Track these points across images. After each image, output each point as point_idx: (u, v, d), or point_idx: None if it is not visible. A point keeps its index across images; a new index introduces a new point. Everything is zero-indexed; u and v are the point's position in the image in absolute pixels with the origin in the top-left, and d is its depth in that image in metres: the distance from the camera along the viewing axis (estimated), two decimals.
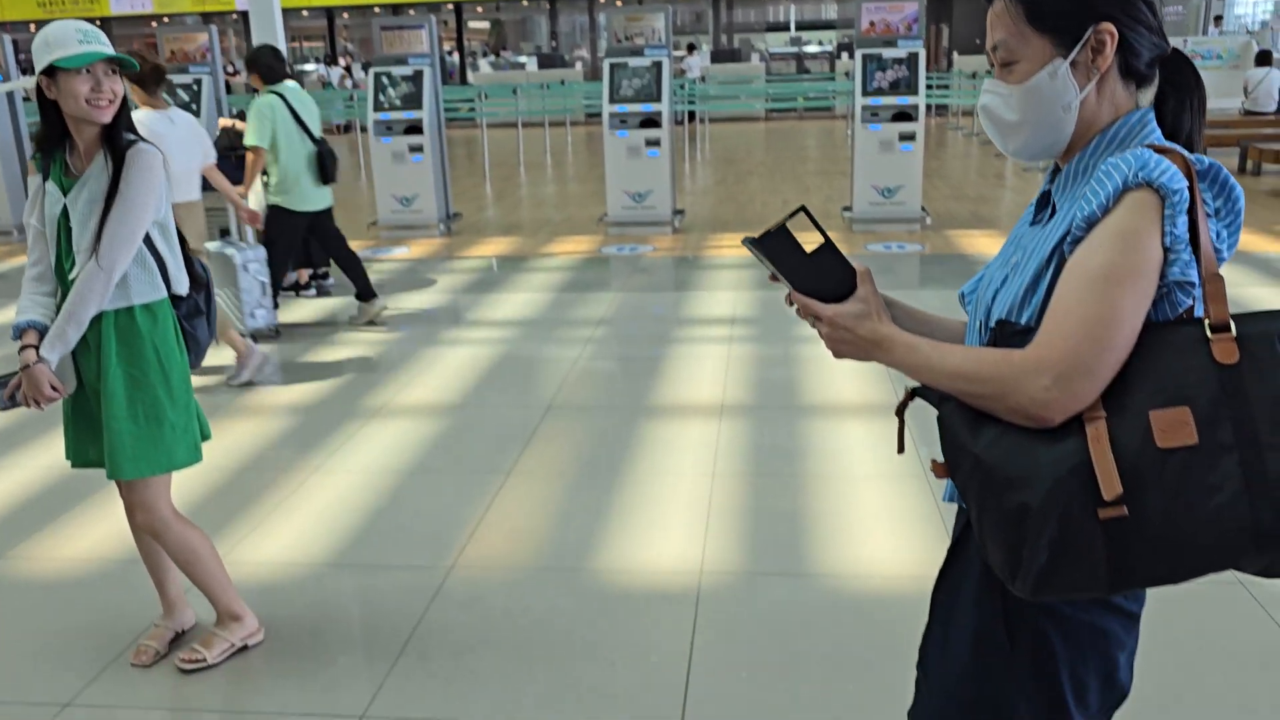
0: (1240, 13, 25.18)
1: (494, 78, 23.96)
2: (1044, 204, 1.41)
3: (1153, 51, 1.35)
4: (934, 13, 23.75)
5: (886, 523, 3.55)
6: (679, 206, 9.94)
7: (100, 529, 3.66)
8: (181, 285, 2.70)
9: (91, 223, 2.51)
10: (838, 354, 1.42)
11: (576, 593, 3.17)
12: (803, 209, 1.42)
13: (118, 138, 2.55)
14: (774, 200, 10.89)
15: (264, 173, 6.13)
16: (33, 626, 3.09)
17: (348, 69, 24.74)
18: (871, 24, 8.90)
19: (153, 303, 2.63)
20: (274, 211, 6.12)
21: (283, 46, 14.00)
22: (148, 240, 2.59)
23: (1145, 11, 1.33)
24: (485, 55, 29.92)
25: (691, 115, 18.38)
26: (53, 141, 2.58)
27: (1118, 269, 1.23)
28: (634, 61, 9.30)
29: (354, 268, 6.46)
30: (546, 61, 25.82)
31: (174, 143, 4.76)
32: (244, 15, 17.63)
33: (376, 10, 26.06)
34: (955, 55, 22.54)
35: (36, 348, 2.52)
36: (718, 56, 24.84)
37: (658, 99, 9.22)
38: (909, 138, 8.92)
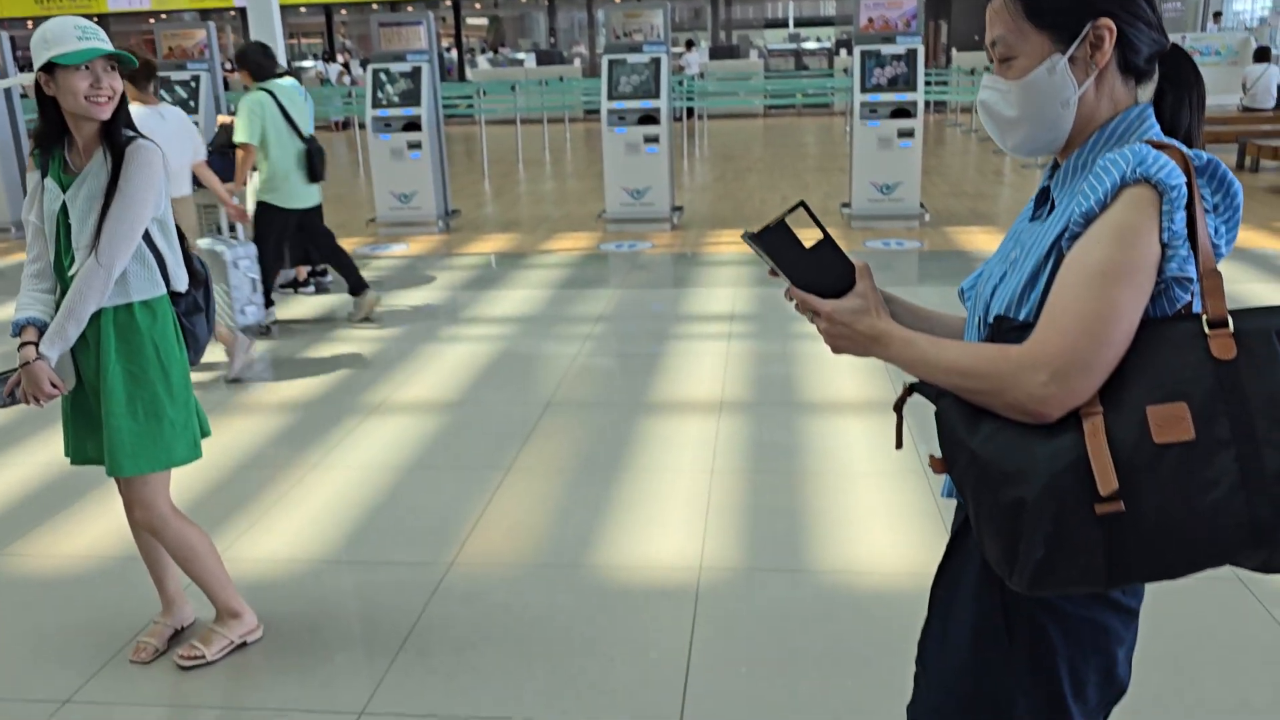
0: (1239, 9, 25.17)
1: (492, 74, 23.94)
2: (1043, 200, 1.42)
3: (1152, 47, 1.35)
4: (932, 9, 23.73)
5: (885, 519, 3.56)
6: (678, 203, 9.93)
7: (99, 526, 3.66)
8: (181, 282, 2.70)
9: (91, 219, 2.51)
10: (836, 349, 1.42)
11: (576, 589, 3.17)
12: (802, 204, 1.42)
13: (117, 134, 2.55)
14: (772, 197, 10.89)
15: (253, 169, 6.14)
16: (32, 623, 3.09)
17: (346, 66, 24.71)
18: (870, 20, 8.90)
19: (152, 299, 2.63)
20: (263, 209, 6.12)
21: (281, 43, 13.99)
22: (147, 237, 2.59)
23: (1144, 7, 1.33)
24: (484, 52, 29.89)
25: (690, 112, 18.37)
26: (51, 138, 2.58)
27: (1115, 265, 1.23)
28: (632, 58, 9.30)
29: (343, 263, 6.45)
30: (545, 58, 25.80)
31: (164, 139, 4.75)
32: (242, 12, 17.62)
33: (375, 7, 26.06)
34: (954, 51, 22.53)
35: (36, 344, 2.52)
36: (716, 53, 24.82)
37: (656, 95, 9.22)
38: (908, 134, 8.91)
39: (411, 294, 7.18)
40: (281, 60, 9.15)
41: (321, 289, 7.27)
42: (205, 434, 2.79)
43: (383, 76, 9.50)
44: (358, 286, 6.43)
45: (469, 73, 25.48)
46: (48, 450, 4.37)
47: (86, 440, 2.70)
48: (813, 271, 1.39)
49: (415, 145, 9.45)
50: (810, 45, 26.68)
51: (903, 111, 8.87)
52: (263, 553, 3.47)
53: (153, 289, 2.63)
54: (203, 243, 5.70)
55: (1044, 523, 1.20)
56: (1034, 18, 1.33)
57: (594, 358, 5.54)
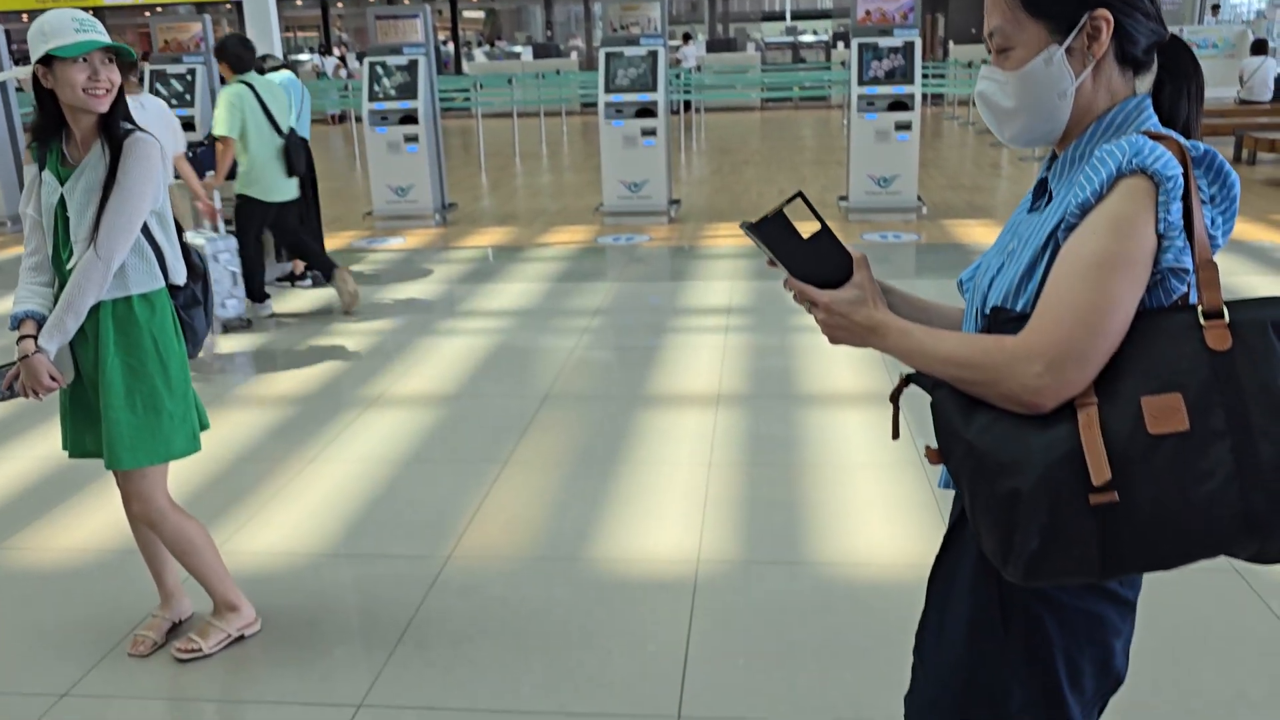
0: (1236, 2, 25.17)
1: (489, 67, 23.90)
2: (1041, 191, 1.42)
3: (1150, 38, 1.34)
4: (929, 2, 23.72)
5: (882, 511, 3.56)
6: (675, 196, 9.93)
7: (97, 519, 3.66)
8: (179, 275, 2.70)
9: (89, 212, 2.51)
10: (834, 340, 1.42)
11: (573, 582, 3.18)
12: (800, 195, 1.42)
13: (115, 127, 2.54)
14: (770, 190, 10.88)
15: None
16: (30, 617, 3.09)
17: (342, 59, 24.67)
18: (867, 13, 8.88)
19: (150, 292, 2.62)
20: (243, 202, 6.12)
21: (276, 36, 13.97)
22: (145, 230, 2.59)
23: None
24: (480, 45, 29.84)
25: (687, 105, 18.35)
26: (49, 131, 2.58)
27: (1111, 255, 1.23)
28: (629, 51, 9.28)
29: (308, 252, 6.44)
30: (542, 51, 25.75)
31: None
32: (238, 5, 17.59)
33: (371, 0, 25.98)
34: (951, 44, 22.52)
35: (35, 338, 2.52)
36: (713, 46, 24.79)
37: (653, 88, 9.20)
38: (905, 127, 8.90)
39: (408, 287, 7.17)
40: (277, 53, 9.12)
41: (318, 283, 7.25)
42: (204, 427, 2.79)
43: (379, 70, 9.48)
44: (326, 268, 6.43)
45: (465, 66, 25.43)
46: (46, 444, 4.36)
47: (85, 433, 2.70)
48: (810, 262, 1.40)
49: (412, 138, 9.43)
50: (807, 38, 26.65)
51: (900, 104, 8.87)
52: (261, 546, 3.47)
53: (151, 282, 2.62)
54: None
55: (1039, 514, 1.20)
56: (1031, 8, 1.33)
57: (591, 351, 5.54)
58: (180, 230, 2.76)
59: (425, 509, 3.70)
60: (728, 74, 21.05)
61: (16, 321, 2.56)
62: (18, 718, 2.60)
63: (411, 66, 9.42)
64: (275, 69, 6.98)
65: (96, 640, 2.93)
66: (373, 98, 9.48)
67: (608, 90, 9.25)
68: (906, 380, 1.41)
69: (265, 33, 13.74)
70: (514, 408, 4.68)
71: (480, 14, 32.73)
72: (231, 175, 6.15)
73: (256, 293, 6.37)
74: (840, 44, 23.63)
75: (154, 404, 2.62)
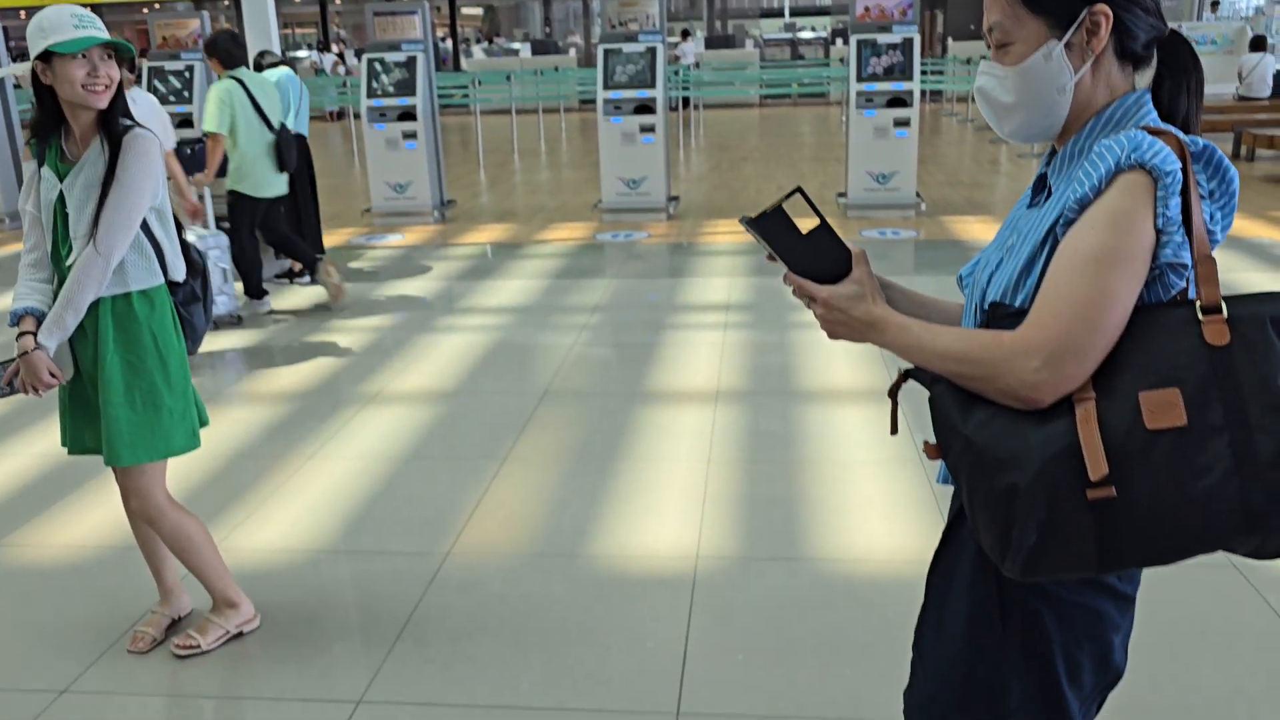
0: None
1: (487, 64, 23.88)
2: (1040, 186, 1.42)
3: (1149, 33, 1.34)
4: None
5: (881, 507, 3.56)
6: (674, 193, 9.93)
7: (96, 516, 3.66)
8: (178, 271, 2.70)
9: (88, 208, 2.50)
10: (832, 335, 1.42)
11: (572, 578, 3.18)
12: (798, 190, 1.42)
13: (114, 123, 2.54)
14: (768, 186, 10.88)
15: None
16: (29, 614, 3.09)
17: (340, 56, 24.65)
18: (866, 9, 8.88)
19: (150, 289, 2.62)
20: (234, 198, 6.13)
21: (275, 33, 13.94)
22: (145, 226, 2.59)
23: None
24: (479, 42, 29.82)
25: (686, 101, 18.34)
26: (48, 127, 2.57)
27: (1109, 251, 1.23)
28: (628, 47, 9.27)
29: (290, 247, 6.44)
30: (540, 48, 25.74)
31: None
32: (236, 1, 17.56)
33: None
34: (950, 41, 22.51)
35: (34, 334, 2.52)
36: (712, 42, 24.78)
37: (652, 85, 9.20)
38: (904, 124, 8.90)
39: (407, 284, 7.17)
40: (276, 50, 9.11)
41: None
42: (203, 423, 2.79)
43: (378, 66, 9.47)
44: (309, 261, 6.44)
45: (464, 63, 25.41)
46: (45, 440, 4.36)
47: (84, 430, 2.70)
48: (809, 257, 1.40)
49: (410, 135, 9.43)
50: (806, 34, 26.64)
51: (899, 101, 8.87)
52: (260, 543, 3.47)
53: (150, 278, 2.62)
54: None
55: (1037, 509, 1.20)
56: (1031, 4, 1.33)
57: (590, 348, 5.54)
58: (180, 227, 2.76)
59: (424, 506, 3.70)
60: (726, 70, 21.03)
61: (16, 318, 2.56)
62: (17, 714, 2.61)
63: (410, 63, 9.41)
64: (273, 65, 6.97)
65: (96, 637, 2.93)
66: (371, 94, 9.47)
67: (606, 87, 9.24)
68: (905, 375, 1.41)
69: (263, 29, 13.72)
70: (513, 404, 4.68)
71: (479, 10, 32.69)
72: (224, 173, 6.15)
73: (255, 289, 6.37)
74: (839, 40, 23.62)
75: (153, 400, 2.62)
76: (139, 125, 2.59)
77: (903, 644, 1.66)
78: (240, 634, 2.90)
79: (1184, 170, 1.24)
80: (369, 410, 4.69)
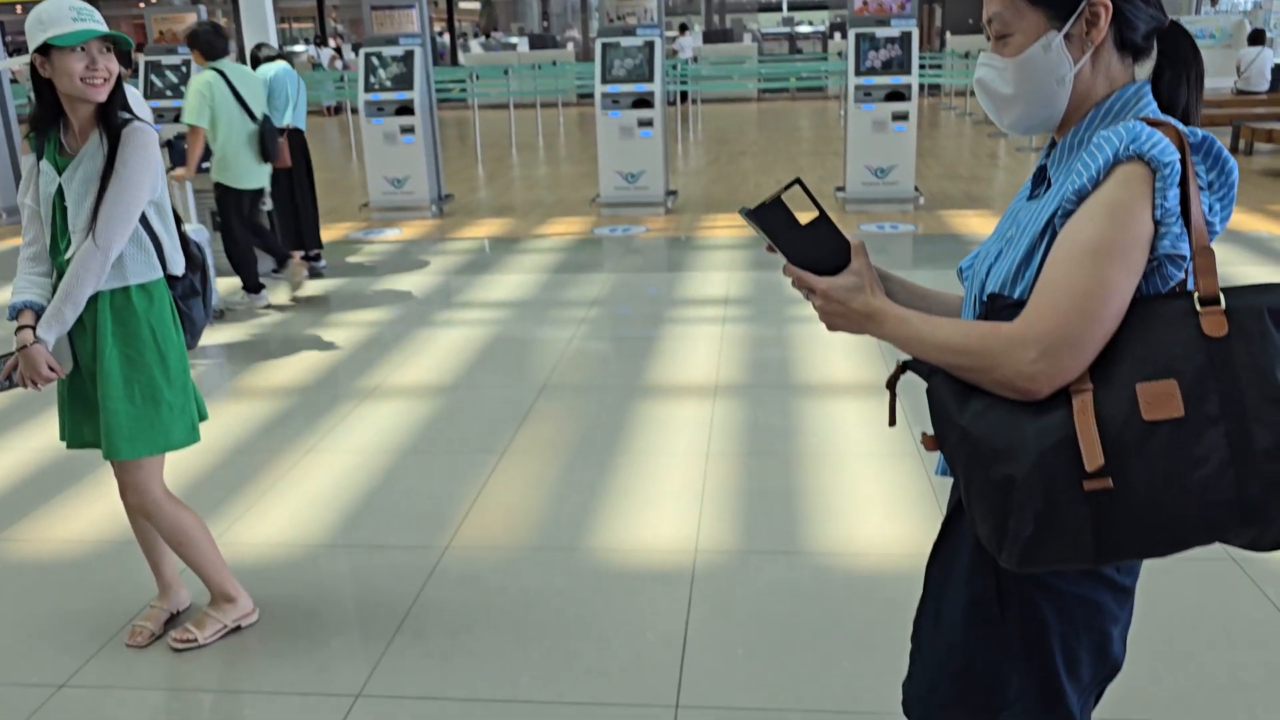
0: None
1: (485, 58, 23.85)
2: (1040, 178, 1.42)
3: (1149, 24, 1.34)
4: None
5: (880, 500, 3.57)
6: (672, 187, 9.92)
7: (95, 510, 3.66)
8: (177, 265, 2.69)
9: (87, 202, 2.50)
10: (831, 326, 1.42)
11: (572, 572, 3.18)
12: (797, 181, 1.42)
13: (113, 116, 2.53)
14: (767, 180, 10.87)
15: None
16: (28, 608, 3.09)
17: (338, 50, 24.61)
18: (864, 3, 8.87)
19: (149, 283, 2.62)
20: (220, 191, 6.12)
21: (272, 27, 13.92)
22: (143, 220, 2.58)
23: None
24: (476, 36, 29.77)
25: (684, 96, 18.32)
26: (47, 120, 2.57)
27: (1107, 242, 1.23)
28: (626, 41, 9.26)
29: (262, 238, 6.46)
30: (538, 42, 25.71)
31: None
32: None
33: None
34: (948, 35, 22.48)
35: (33, 328, 2.51)
36: (710, 37, 24.75)
37: (650, 79, 9.19)
38: (902, 117, 8.89)
39: (405, 279, 7.16)
40: (273, 44, 9.09)
41: (315, 273, 7.25)
42: (203, 418, 2.79)
43: (375, 60, 9.45)
44: (283, 257, 6.46)
45: (461, 57, 25.38)
46: (44, 434, 4.36)
47: (83, 424, 2.70)
48: (808, 248, 1.40)
49: (408, 129, 9.41)
50: (804, 29, 26.61)
51: (897, 95, 8.86)
52: (258, 537, 3.47)
53: (149, 272, 2.62)
54: None
55: (1033, 500, 1.21)
56: None
57: (588, 342, 5.54)
58: (179, 221, 2.75)
59: (423, 500, 3.70)
60: (724, 65, 20.99)
61: (15, 312, 2.56)
62: (16, 708, 2.61)
63: (407, 57, 9.39)
64: (270, 59, 6.95)
65: (94, 631, 2.93)
66: (368, 89, 9.46)
67: (604, 81, 9.23)
68: (903, 367, 1.41)
69: (260, 24, 13.71)
70: (511, 398, 4.68)
71: (476, 5, 32.64)
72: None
73: (251, 284, 6.37)
74: (837, 34, 23.59)
75: (152, 395, 2.62)
76: (138, 118, 2.58)
77: (901, 636, 1.67)
78: (238, 628, 2.90)
79: (1183, 161, 1.24)
80: (367, 404, 4.69)
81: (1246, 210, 8.30)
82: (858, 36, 8.88)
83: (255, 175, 6.18)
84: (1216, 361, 1.19)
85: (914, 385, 1.42)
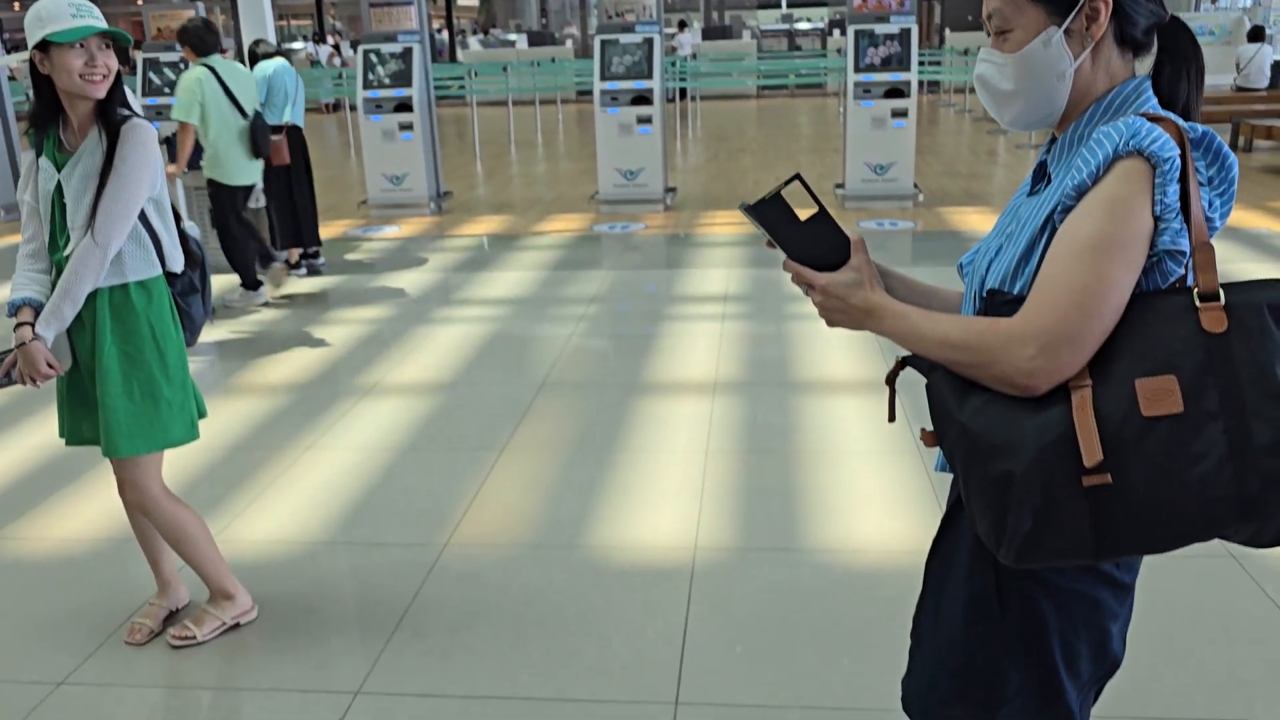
0: None
1: (484, 55, 23.83)
2: (1040, 174, 1.41)
3: (1149, 19, 1.34)
4: None
5: (879, 497, 3.57)
6: (671, 184, 9.91)
7: (94, 508, 3.66)
8: (176, 262, 2.69)
9: (86, 199, 2.50)
10: (830, 322, 1.42)
11: (571, 569, 3.18)
12: (797, 177, 1.42)
13: (112, 113, 2.53)
14: (766, 177, 10.87)
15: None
16: (26, 606, 3.09)
17: (336, 47, 24.58)
18: (863, 0, 8.86)
19: (148, 280, 2.61)
20: (212, 189, 6.12)
21: (270, 24, 13.90)
22: (143, 217, 2.58)
23: None
24: (475, 33, 29.74)
25: (683, 93, 18.30)
26: (46, 117, 2.57)
27: (1106, 238, 1.23)
28: (625, 38, 9.25)
29: (252, 235, 6.46)
30: (536, 39, 25.69)
31: None
32: None
33: None
34: (947, 31, 22.47)
35: (32, 325, 2.51)
36: (709, 33, 24.72)
37: (649, 76, 9.18)
38: (901, 114, 8.89)
39: (404, 276, 7.16)
40: (271, 41, 9.08)
41: (314, 271, 7.24)
42: (202, 415, 2.79)
43: (373, 58, 9.44)
44: (267, 258, 6.46)
45: (460, 54, 25.35)
46: (43, 431, 4.36)
47: (82, 421, 2.70)
48: (808, 244, 1.40)
49: (407, 126, 9.40)
50: (803, 25, 26.59)
51: (896, 91, 8.85)
52: (258, 534, 3.47)
53: (148, 269, 2.61)
54: None
55: (1032, 495, 1.21)
56: None
57: (587, 339, 5.53)
58: (178, 218, 2.75)
59: (422, 497, 3.70)
60: (723, 61, 20.98)
61: (14, 308, 2.55)
62: (15, 706, 2.60)
63: (406, 54, 9.38)
64: (268, 55, 6.93)
65: (93, 629, 2.93)
66: (367, 86, 9.44)
67: (603, 78, 9.22)
68: (902, 363, 1.41)
69: (259, 20, 13.69)
70: (510, 396, 4.68)
71: (475, 2, 32.61)
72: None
73: (250, 281, 6.36)
74: (836, 31, 23.58)
75: (151, 392, 2.61)
76: (137, 115, 2.58)
77: (901, 634, 1.66)
78: (237, 625, 2.90)
79: (1183, 157, 1.24)
80: (366, 402, 4.68)
81: (1245, 207, 8.30)
82: (857, 33, 8.87)
83: (247, 171, 6.18)
84: (1216, 357, 1.19)
85: (913, 382, 1.42)
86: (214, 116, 5.94)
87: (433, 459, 4.06)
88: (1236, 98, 13.00)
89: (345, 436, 4.28)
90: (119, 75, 2.54)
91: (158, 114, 8.56)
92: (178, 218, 2.74)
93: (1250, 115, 11.86)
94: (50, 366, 2.52)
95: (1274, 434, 1.16)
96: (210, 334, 5.75)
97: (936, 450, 1.41)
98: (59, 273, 2.54)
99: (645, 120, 9.20)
